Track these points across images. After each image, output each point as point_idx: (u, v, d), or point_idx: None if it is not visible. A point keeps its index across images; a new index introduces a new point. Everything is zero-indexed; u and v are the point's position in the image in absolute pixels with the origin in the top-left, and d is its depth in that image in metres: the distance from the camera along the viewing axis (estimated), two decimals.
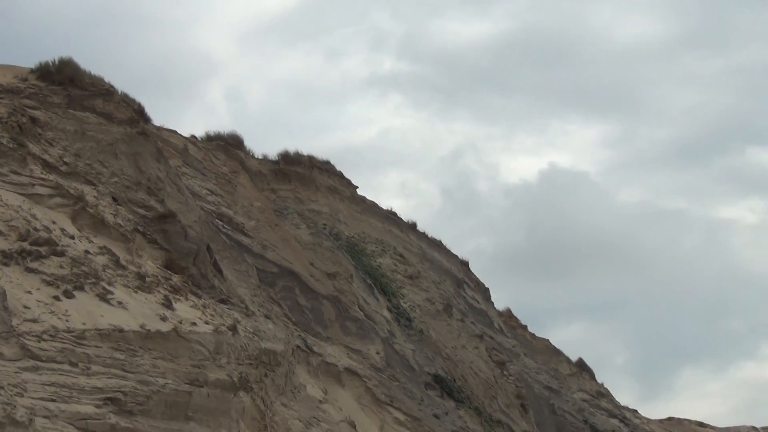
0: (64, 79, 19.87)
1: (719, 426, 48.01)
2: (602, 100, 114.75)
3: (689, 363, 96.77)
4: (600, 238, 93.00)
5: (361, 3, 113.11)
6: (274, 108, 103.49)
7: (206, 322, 16.08)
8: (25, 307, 13.04)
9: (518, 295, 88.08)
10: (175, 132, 27.14)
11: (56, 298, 13.73)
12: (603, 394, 41.24)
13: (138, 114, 21.09)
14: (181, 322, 15.27)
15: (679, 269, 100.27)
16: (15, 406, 11.39)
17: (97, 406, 12.69)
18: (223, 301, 18.87)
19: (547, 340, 42.35)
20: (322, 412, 20.23)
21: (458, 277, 37.31)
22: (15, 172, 16.42)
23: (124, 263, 16.30)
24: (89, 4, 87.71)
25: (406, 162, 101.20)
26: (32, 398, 11.87)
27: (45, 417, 11.82)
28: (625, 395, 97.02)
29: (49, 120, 18.77)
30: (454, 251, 38.99)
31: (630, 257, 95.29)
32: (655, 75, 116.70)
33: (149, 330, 14.35)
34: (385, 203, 37.46)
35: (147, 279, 16.35)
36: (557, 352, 41.87)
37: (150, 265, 17.30)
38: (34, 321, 12.86)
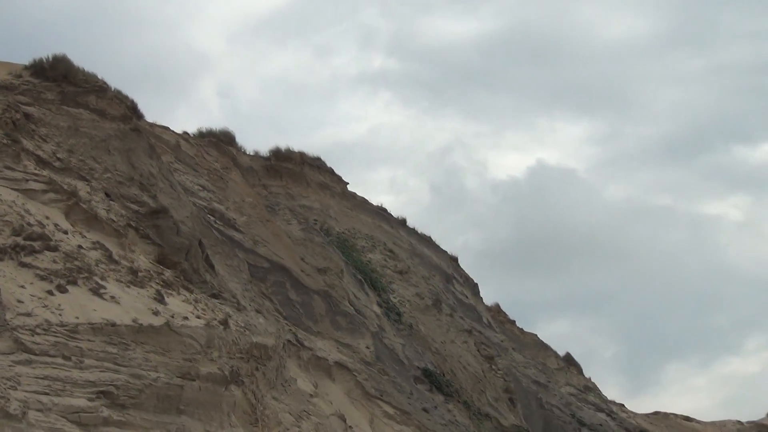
0: (58, 76, 19.97)
1: (705, 420, 48.43)
2: (589, 97, 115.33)
3: (675, 358, 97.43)
4: (587, 234, 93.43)
5: (350, 1, 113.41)
6: (266, 105, 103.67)
7: (198, 317, 16.24)
8: (19, 301, 13.19)
9: (507, 290, 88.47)
10: (167, 128, 27.20)
11: (49, 292, 13.88)
12: (590, 388, 41.55)
13: (131, 110, 21.21)
14: (173, 317, 15.43)
15: (665, 265, 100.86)
16: (8, 399, 11.53)
17: (90, 400, 12.85)
18: (214, 296, 19.01)
19: (535, 335, 42.65)
20: (313, 406, 20.41)
21: (447, 273, 37.52)
22: (9, 168, 16.54)
23: (116, 258, 16.45)
24: (83, 2, 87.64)
25: (395, 158, 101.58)
26: (25, 391, 12.00)
27: (38, 410, 11.97)
28: (612, 389, 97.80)
29: (42, 116, 18.88)
30: (443, 247, 39.26)
31: (617, 253, 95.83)
32: (641, 73, 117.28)
33: (141, 324, 14.51)
34: (374, 199, 37.56)
35: (139, 274, 16.50)
36: (545, 347, 42.17)
37: (142, 259, 17.45)
38: (28, 315, 13.00)
